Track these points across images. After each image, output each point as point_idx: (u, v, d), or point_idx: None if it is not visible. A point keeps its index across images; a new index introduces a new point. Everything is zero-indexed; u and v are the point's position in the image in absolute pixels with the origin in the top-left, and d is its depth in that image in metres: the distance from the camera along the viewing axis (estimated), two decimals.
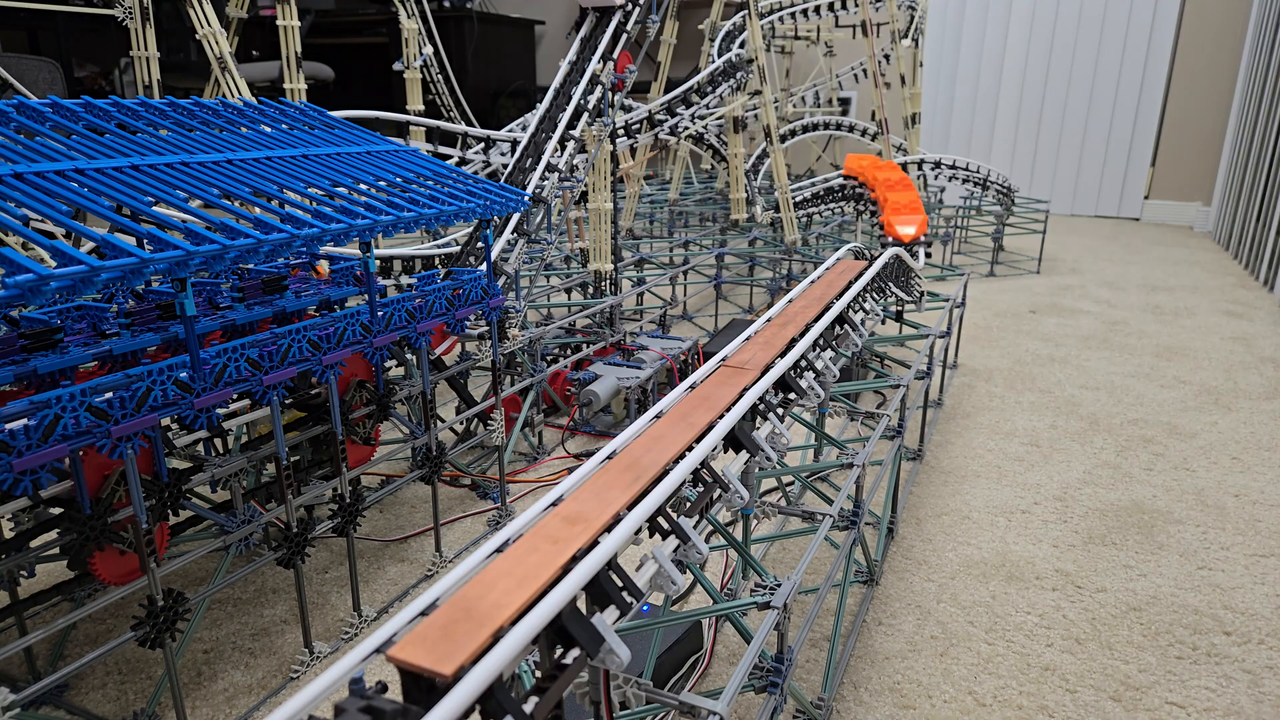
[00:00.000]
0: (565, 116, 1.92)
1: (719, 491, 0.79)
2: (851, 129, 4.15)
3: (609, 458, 0.78)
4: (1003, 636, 1.20)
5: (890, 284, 1.66)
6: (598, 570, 0.59)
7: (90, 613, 0.89)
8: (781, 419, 0.97)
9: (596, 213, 2.12)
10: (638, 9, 2.06)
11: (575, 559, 0.59)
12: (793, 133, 4.19)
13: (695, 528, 0.73)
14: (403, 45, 2.85)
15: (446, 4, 5.62)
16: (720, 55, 3.23)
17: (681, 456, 0.77)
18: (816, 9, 3.74)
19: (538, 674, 0.57)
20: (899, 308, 1.80)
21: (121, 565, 0.96)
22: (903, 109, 4.00)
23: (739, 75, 2.92)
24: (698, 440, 0.81)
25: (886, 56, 4.09)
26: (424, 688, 0.48)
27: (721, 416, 0.86)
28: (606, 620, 0.59)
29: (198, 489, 1.40)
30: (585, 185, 2.08)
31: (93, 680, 1.13)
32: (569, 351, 2.05)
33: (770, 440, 0.91)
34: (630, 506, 0.67)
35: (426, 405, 1.32)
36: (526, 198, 1.38)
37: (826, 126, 4.22)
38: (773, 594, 0.84)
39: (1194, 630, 1.22)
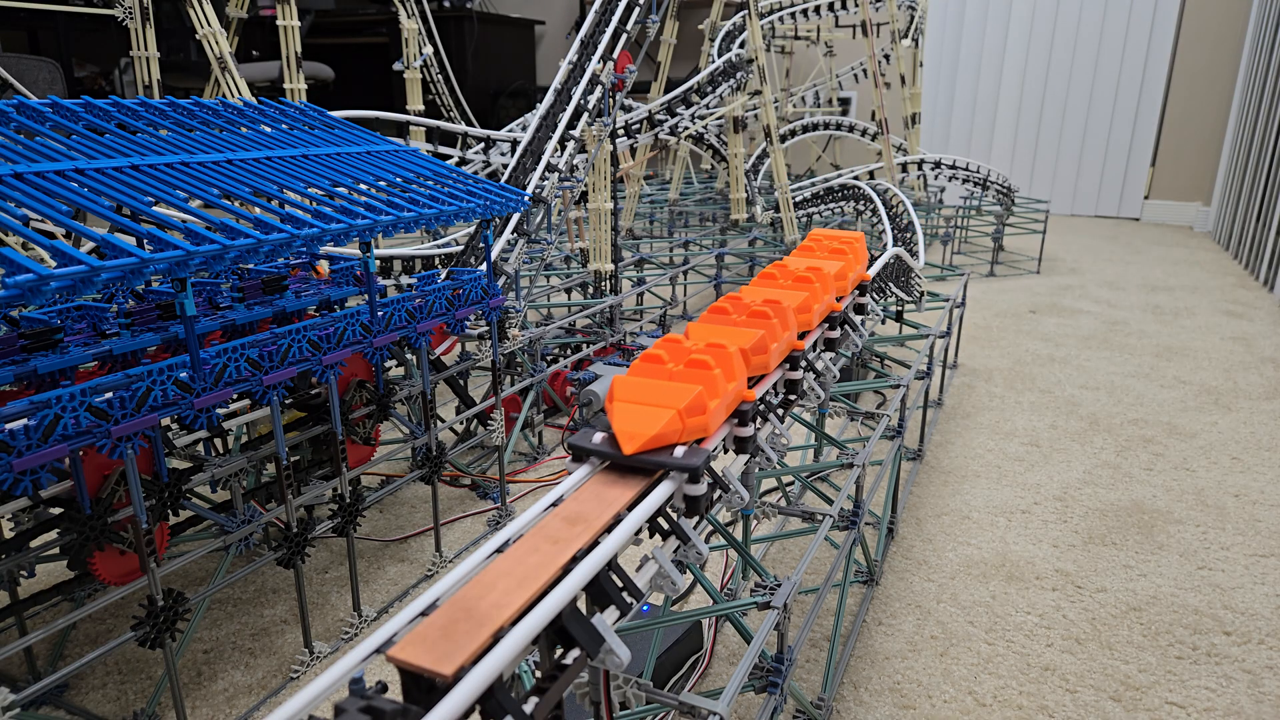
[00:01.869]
0: (565, 116, 1.92)
1: (719, 492, 0.79)
2: (851, 129, 4.15)
3: None
4: (1003, 636, 1.20)
5: (891, 284, 1.66)
6: (598, 571, 0.59)
7: (90, 613, 0.89)
8: (782, 419, 0.97)
9: (596, 213, 2.12)
10: (638, 7, 2.06)
11: (575, 559, 0.59)
12: (793, 133, 4.19)
13: (695, 528, 0.73)
14: (403, 45, 2.85)
15: (446, 4, 5.62)
16: (720, 55, 3.24)
17: None
18: (816, 9, 3.74)
19: (538, 674, 0.57)
20: (899, 308, 1.80)
21: (121, 565, 0.96)
22: (903, 109, 4.00)
23: (739, 75, 2.92)
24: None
25: (886, 56, 4.08)
26: (424, 688, 0.48)
27: None
28: (606, 620, 0.59)
29: (198, 489, 1.40)
30: (585, 185, 2.08)
31: (93, 680, 1.12)
32: (569, 351, 2.05)
33: (770, 440, 0.90)
34: (630, 507, 0.67)
35: (426, 405, 1.32)
36: (526, 198, 1.38)
37: (826, 126, 4.22)
38: (773, 594, 0.84)
39: (1194, 630, 1.22)
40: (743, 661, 0.78)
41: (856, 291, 1.21)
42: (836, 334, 1.08)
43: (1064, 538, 1.47)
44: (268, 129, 1.26)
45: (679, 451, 0.70)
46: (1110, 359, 2.45)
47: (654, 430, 0.70)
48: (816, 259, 1.17)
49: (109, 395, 0.83)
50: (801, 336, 0.98)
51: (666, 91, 2.98)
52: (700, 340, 0.84)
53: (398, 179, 1.24)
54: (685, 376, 0.76)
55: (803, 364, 0.96)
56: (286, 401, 1.23)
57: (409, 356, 1.52)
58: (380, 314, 1.16)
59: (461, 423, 1.66)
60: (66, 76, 2.77)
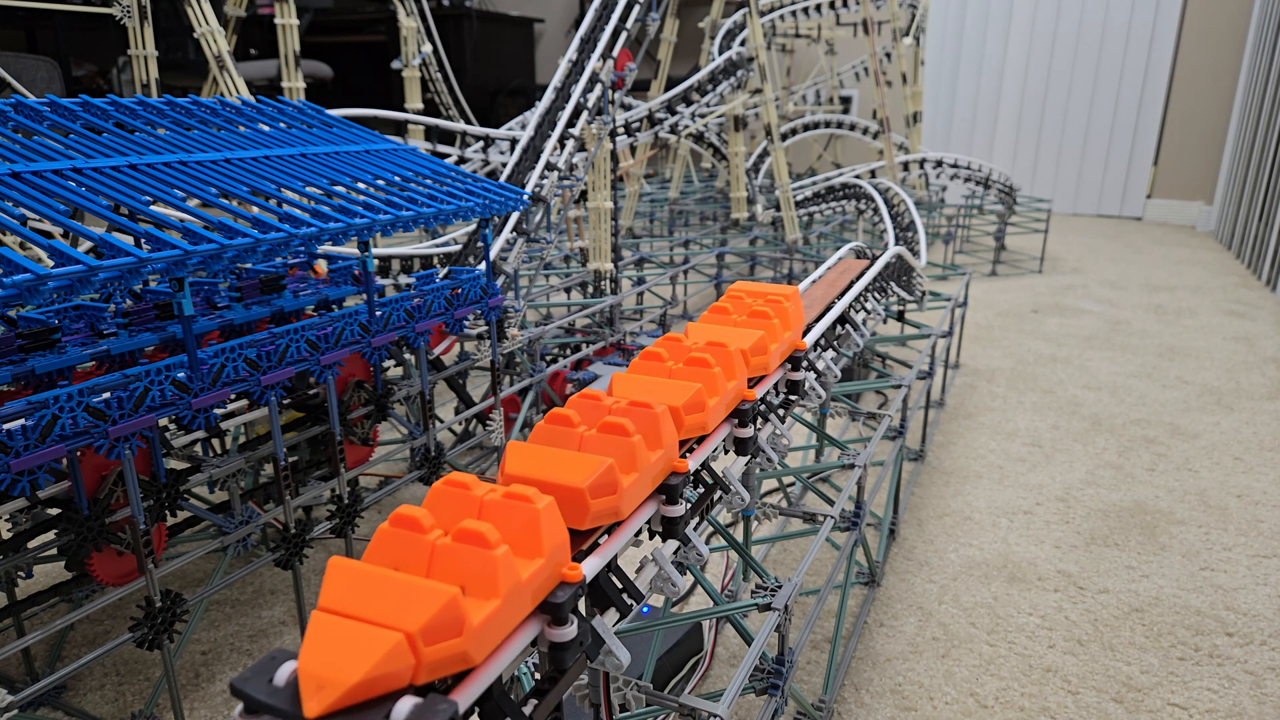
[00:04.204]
0: (565, 115, 1.92)
1: (720, 493, 0.78)
2: (853, 127, 4.15)
3: None
4: (1005, 638, 1.20)
5: (892, 283, 1.66)
6: (597, 572, 0.59)
7: (88, 614, 0.89)
8: (782, 419, 0.97)
9: (596, 211, 2.11)
10: (638, 5, 2.06)
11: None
12: (794, 131, 4.18)
13: (696, 529, 0.73)
14: (401, 43, 2.84)
15: (445, 2, 5.61)
16: (721, 53, 3.23)
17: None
18: (818, 7, 3.73)
19: (537, 676, 0.57)
20: (901, 307, 1.79)
21: (119, 566, 0.96)
22: (904, 107, 3.99)
23: (739, 73, 2.92)
24: (698, 441, 0.80)
25: (888, 54, 4.08)
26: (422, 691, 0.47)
27: None
28: (606, 622, 0.58)
29: (195, 489, 1.40)
30: (585, 184, 2.07)
31: (90, 682, 1.12)
32: (568, 351, 2.05)
33: (771, 441, 0.90)
34: None
35: (425, 405, 1.32)
36: (525, 196, 1.37)
37: (827, 125, 4.22)
38: (773, 595, 0.84)
39: (1196, 631, 1.21)
40: (743, 663, 0.77)
41: (787, 365, 0.93)
42: (749, 431, 0.79)
43: (1066, 539, 1.46)
44: (266, 128, 1.26)
45: (403, 708, 0.38)
46: (1112, 359, 2.44)
47: (360, 672, 0.39)
48: (729, 326, 0.88)
49: (106, 395, 0.82)
50: (695, 445, 0.73)
51: (667, 89, 2.98)
52: (519, 473, 0.55)
53: (396, 178, 1.23)
54: (445, 563, 0.45)
55: (683, 493, 0.65)
56: (284, 402, 1.23)
57: (407, 356, 1.51)
58: (378, 314, 1.16)
59: (460, 423, 1.66)
60: (64, 75, 2.77)
